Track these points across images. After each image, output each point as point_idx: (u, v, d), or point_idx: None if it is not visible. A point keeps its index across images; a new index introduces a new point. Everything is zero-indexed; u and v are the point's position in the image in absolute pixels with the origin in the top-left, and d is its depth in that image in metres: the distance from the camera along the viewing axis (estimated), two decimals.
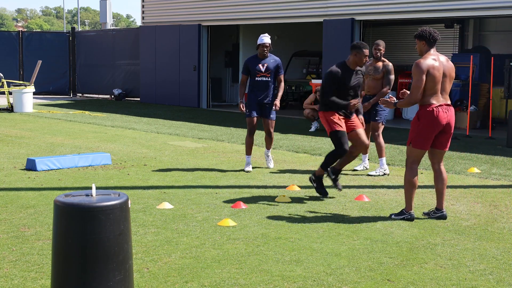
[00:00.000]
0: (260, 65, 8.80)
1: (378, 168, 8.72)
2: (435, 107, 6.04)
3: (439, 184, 6.31)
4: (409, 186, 6.20)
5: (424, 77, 5.97)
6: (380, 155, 8.72)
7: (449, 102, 6.17)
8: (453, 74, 6.17)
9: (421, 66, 5.98)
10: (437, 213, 6.31)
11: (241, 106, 8.93)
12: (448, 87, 6.14)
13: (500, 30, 20.26)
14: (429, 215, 6.37)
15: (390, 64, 8.63)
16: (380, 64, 8.62)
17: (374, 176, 8.62)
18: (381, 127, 8.70)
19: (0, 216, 6.15)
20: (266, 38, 8.81)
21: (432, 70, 6.00)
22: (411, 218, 6.20)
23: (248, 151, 8.93)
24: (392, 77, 8.59)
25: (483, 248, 5.35)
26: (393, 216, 6.29)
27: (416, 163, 6.23)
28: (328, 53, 16.37)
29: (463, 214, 6.51)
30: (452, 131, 6.24)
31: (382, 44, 8.64)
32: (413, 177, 6.19)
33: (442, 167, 6.34)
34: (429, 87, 6.02)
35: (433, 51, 6.13)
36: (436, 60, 6.06)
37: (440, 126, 6.08)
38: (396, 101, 6.35)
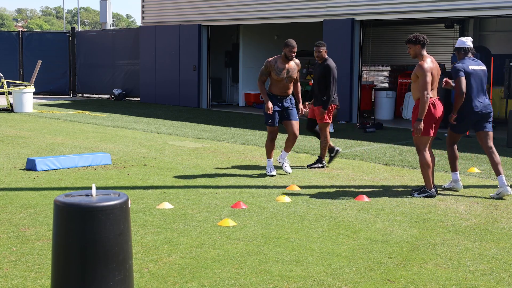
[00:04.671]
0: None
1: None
2: (434, 99, 7.17)
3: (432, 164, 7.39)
4: (426, 168, 7.19)
5: (430, 75, 7.02)
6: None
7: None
8: (439, 72, 7.31)
9: (425, 67, 7.05)
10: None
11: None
12: (437, 83, 7.29)
13: (500, 30, 20.27)
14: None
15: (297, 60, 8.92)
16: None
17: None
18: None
19: (0, 216, 6.15)
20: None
21: (433, 70, 7.12)
22: (433, 195, 7.19)
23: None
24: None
25: (483, 248, 5.36)
26: (415, 195, 7.24)
27: (426, 147, 7.25)
28: (328, 53, 16.33)
29: (463, 214, 6.51)
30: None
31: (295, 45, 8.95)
32: (427, 160, 7.20)
33: (431, 150, 7.47)
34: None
35: (425, 52, 7.18)
36: (432, 62, 7.15)
37: (438, 115, 7.18)
38: (417, 119, 7.11)
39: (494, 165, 7.39)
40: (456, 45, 7.60)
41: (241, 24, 19.79)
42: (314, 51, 9.25)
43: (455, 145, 7.70)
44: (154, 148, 10.79)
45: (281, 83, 8.50)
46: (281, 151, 9.02)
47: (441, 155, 10.21)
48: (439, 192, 7.51)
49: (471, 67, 7.38)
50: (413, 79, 7.20)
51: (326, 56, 9.27)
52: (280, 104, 8.56)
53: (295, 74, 8.61)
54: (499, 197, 7.22)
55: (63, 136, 12.19)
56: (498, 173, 7.33)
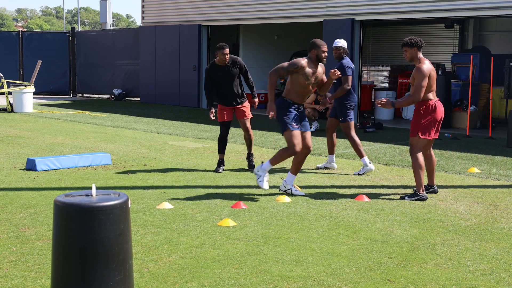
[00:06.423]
0: None
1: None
2: (435, 101, 7.12)
3: (430, 165, 7.42)
4: (420, 171, 7.10)
5: (427, 79, 6.95)
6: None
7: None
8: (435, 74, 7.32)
9: (424, 70, 6.96)
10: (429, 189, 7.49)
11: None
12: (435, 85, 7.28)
13: (500, 30, 20.27)
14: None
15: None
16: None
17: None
18: None
19: (0, 216, 6.15)
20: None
21: (432, 72, 7.06)
22: (425, 198, 7.11)
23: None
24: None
25: (483, 248, 5.36)
26: (406, 198, 7.13)
27: (420, 150, 7.20)
28: (328, 53, 16.34)
29: (463, 214, 6.51)
30: None
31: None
32: (420, 162, 7.12)
33: (432, 151, 7.48)
34: (428, 86, 7.05)
35: (421, 55, 7.14)
36: (429, 64, 7.10)
37: (439, 117, 7.13)
38: (393, 101, 7.22)
39: (356, 148, 8.72)
40: (340, 45, 8.85)
41: (241, 24, 19.80)
42: (221, 54, 8.58)
43: (334, 132, 9.07)
44: (154, 148, 10.79)
45: (305, 89, 7.26)
46: (283, 178, 7.89)
47: (441, 155, 10.22)
48: (438, 192, 7.53)
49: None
50: (411, 83, 7.19)
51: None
52: (298, 112, 7.31)
53: (319, 80, 7.44)
54: (363, 173, 8.60)
55: (63, 136, 12.19)
56: (361, 155, 8.68)
